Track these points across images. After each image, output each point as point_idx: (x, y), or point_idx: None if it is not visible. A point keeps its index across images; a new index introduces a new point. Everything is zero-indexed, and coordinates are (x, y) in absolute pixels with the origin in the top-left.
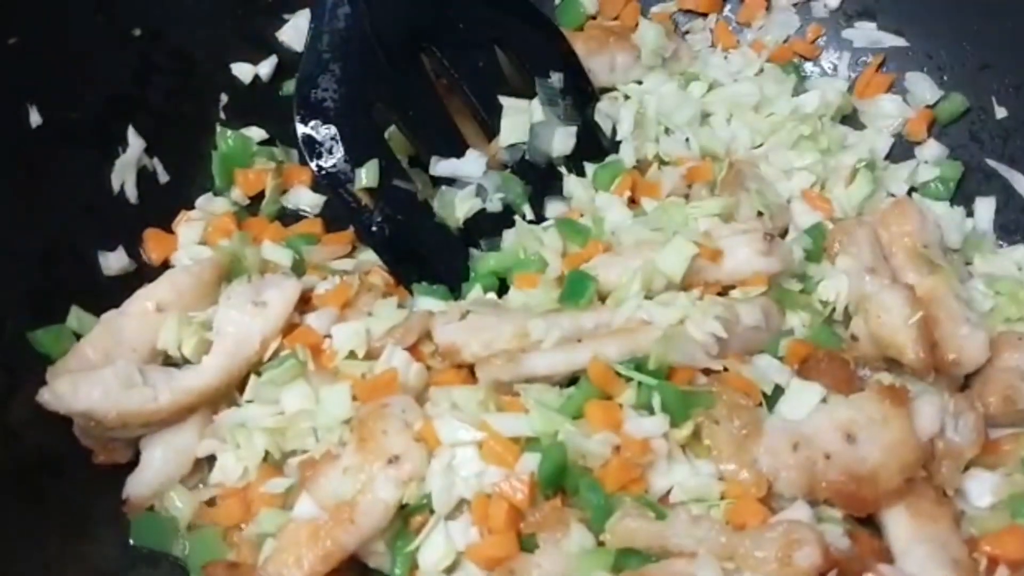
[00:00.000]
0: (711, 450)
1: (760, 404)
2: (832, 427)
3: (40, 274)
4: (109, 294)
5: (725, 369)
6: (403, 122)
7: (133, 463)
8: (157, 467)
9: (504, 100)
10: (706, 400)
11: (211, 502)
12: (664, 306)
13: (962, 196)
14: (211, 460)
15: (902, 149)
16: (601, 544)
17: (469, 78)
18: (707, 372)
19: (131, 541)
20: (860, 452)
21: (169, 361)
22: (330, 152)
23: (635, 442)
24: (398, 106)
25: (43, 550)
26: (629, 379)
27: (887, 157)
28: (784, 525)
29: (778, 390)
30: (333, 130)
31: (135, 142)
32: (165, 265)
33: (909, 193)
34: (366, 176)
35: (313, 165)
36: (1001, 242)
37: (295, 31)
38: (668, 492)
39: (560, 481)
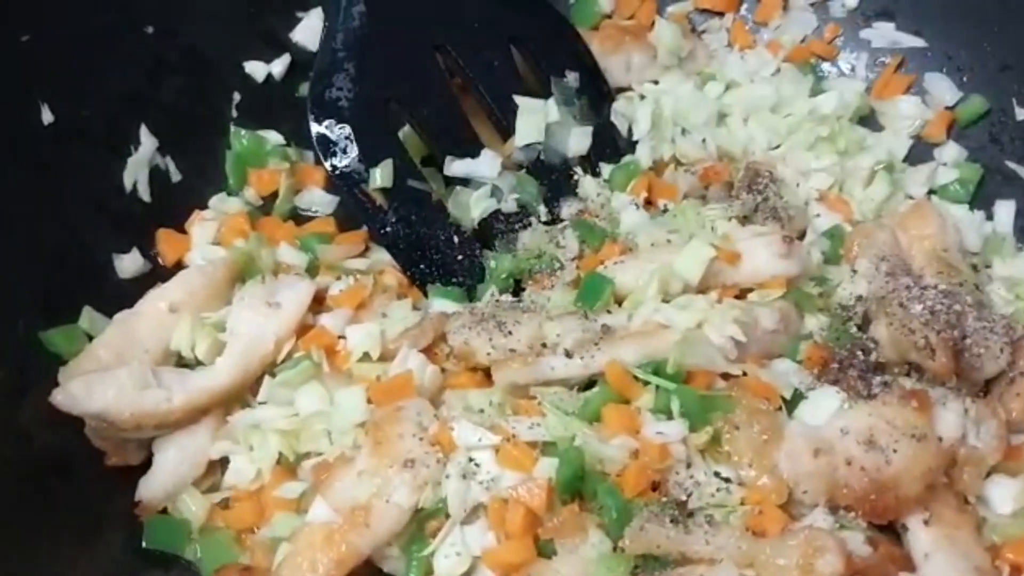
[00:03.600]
0: (731, 455)
1: (779, 408)
2: (853, 432)
3: (52, 273)
4: (122, 294)
5: (743, 373)
6: (417, 121)
7: (146, 465)
8: (170, 469)
9: (519, 100)
10: (725, 404)
11: (224, 505)
12: (682, 309)
13: (982, 199)
14: (224, 463)
15: (921, 151)
16: (619, 550)
17: (484, 77)
18: (725, 376)
19: (143, 544)
20: (881, 458)
21: (182, 362)
22: (344, 152)
23: (653, 447)
24: (412, 105)
25: (54, 552)
26: (647, 383)
27: (905, 159)
28: (805, 532)
29: (796, 394)
30: (347, 129)
31: (147, 141)
32: (178, 265)
33: (928, 196)
34: (380, 176)
35: (327, 165)
36: (1021, 245)
37: (309, 30)
38: (687, 498)
39: (578, 486)
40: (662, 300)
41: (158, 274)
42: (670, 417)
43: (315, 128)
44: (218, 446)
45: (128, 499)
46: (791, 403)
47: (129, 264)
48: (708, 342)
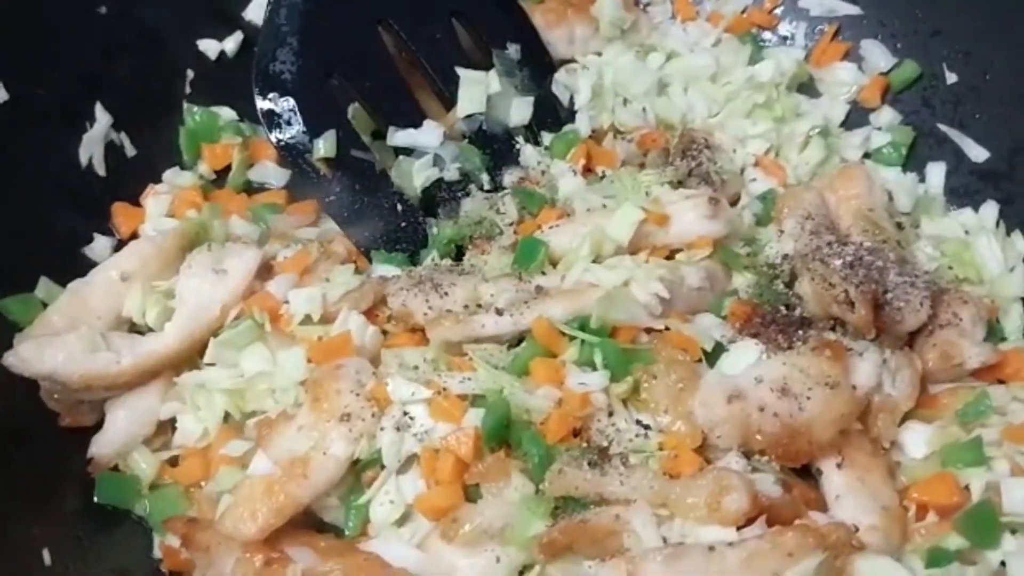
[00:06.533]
0: (649, 403)
1: (700, 360)
2: (768, 381)
3: (9, 246)
4: (79, 264)
5: (667, 328)
6: (361, 94)
7: (99, 426)
8: (120, 428)
9: (461, 71)
10: (646, 356)
11: (173, 462)
12: (610, 269)
13: (915, 161)
14: (175, 423)
15: (857, 116)
16: (541, 493)
17: (427, 50)
18: (649, 331)
19: (95, 498)
20: (794, 405)
21: (134, 328)
22: (288, 123)
23: (575, 396)
24: (355, 78)
25: (9, 510)
26: (573, 338)
27: (843, 124)
28: (714, 473)
29: (719, 347)
30: (291, 102)
31: (102, 117)
32: (134, 237)
33: (863, 159)
34: (324, 147)
35: (272, 137)
36: (952, 205)
37: (260, 8)
38: (608, 444)
39: (504, 434)
40: (593, 261)
41: (117, 247)
42: (594, 369)
43: (260, 101)
44: (167, 407)
45: (82, 460)
46: (714, 356)
47: (99, 247)
48: (632, 298)
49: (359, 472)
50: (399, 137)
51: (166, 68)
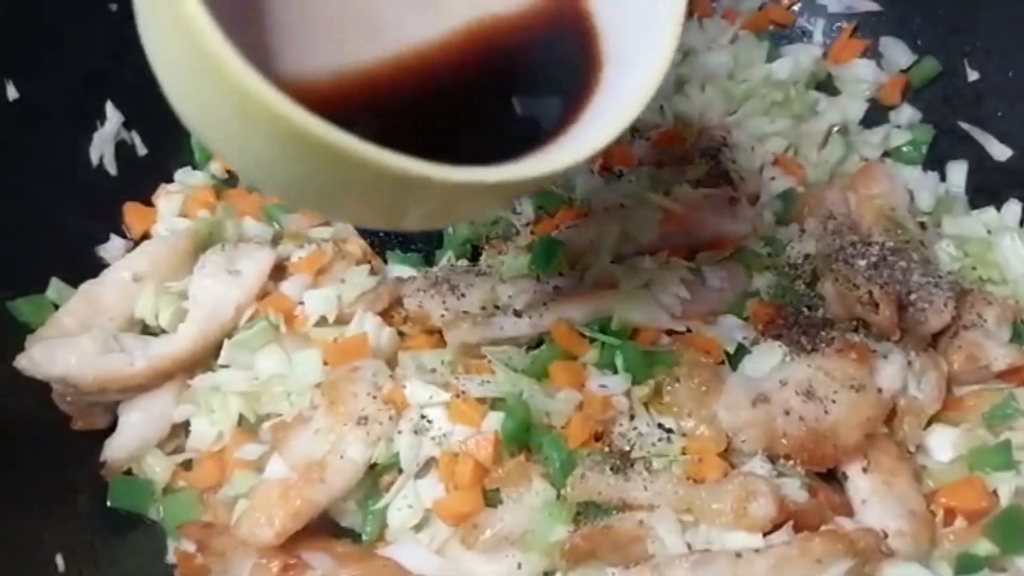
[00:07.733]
0: (672, 407)
1: (722, 363)
2: (792, 384)
3: (19, 246)
4: (90, 265)
5: (689, 330)
6: None
7: (112, 429)
8: (134, 431)
9: None
10: (668, 359)
11: (187, 465)
12: (630, 269)
13: (935, 160)
14: (189, 427)
15: (876, 114)
16: (562, 498)
17: None
18: (670, 332)
19: (108, 503)
20: (820, 408)
21: (147, 330)
22: None
23: (597, 399)
24: None
25: (21, 515)
26: (593, 340)
27: (861, 122)
28: (740, 478)
29: (741, 350)
30: None
31: (113, 116)
32: (146, 238)
33: (883, 158)
34: None
35: None
36: (973, 204)
37: None
38: (630, 448)
39: (524, 438)
40: (612, 261)
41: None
42: (614, 371)
43: None
44: (181, 409)
45: (95, 463)
46: (736, 358)
47: (113, 247)
48: (653, 299)
49: (377, 476)
50: None
51: None
